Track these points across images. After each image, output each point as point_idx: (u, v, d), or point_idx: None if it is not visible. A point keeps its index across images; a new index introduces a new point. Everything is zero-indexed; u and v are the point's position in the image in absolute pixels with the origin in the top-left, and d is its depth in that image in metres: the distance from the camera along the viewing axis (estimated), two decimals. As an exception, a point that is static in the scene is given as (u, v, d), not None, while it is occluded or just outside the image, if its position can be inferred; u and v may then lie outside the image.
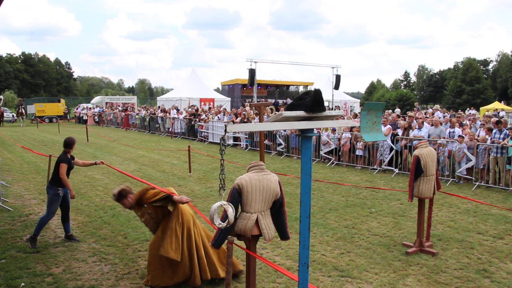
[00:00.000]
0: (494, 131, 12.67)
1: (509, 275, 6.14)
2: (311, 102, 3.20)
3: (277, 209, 4.78)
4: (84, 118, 40.45)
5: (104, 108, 41.79)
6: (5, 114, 40.08)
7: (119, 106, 41.42)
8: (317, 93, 3.21)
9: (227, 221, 3.76)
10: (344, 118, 18.81)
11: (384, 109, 38.95)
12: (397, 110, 28.23)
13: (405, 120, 15.71)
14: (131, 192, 6.07)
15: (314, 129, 3.41)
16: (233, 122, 21.06)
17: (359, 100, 55.68)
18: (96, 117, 39.37)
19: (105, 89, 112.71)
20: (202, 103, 37.18)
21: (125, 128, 32.79)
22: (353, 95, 78.98)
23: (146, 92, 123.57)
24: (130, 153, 18.54)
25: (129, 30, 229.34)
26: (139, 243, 7.29)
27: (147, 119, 30.18)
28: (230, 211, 3.74)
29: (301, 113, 3.23)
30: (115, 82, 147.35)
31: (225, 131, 2.90)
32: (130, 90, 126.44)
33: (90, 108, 42.26)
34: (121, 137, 26.14)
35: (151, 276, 5.72)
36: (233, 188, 4.52)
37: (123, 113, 34.59)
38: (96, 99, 49.91)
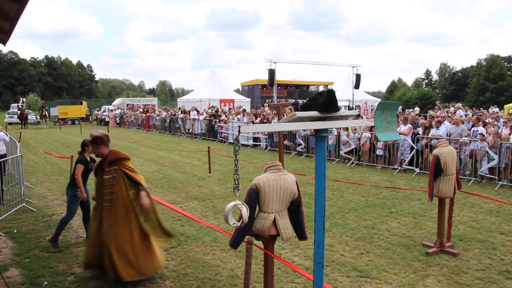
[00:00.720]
0: (517, 129, 12.43)
1: (532, 276, 6.03)
2: (324, 102, 3.21)
3: (294, 209, 4.78)
4: (105, 119, 40.98)
5: (125, 109, 42.29)
6: (29, 117, 40.84)
7: (140, 107, 41.89)
8: (331, 93, 3.21)
9: (241, 220, 3.79)
10: (363, 118, 18.70)
11: (404, 108, 38.47)
12: (416, 109, 27.84)
13: (425, 119, 15.53)
14: (106, 146, 6.05)
15: (333, 129, 3.42)
16: (253, 123, 21.11)
17: (380, 99, 55.19)
18: (117, 119, 39.85)
19: (126, 91, 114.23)
20: (222, 103, 37.34)
21: (146, 129, 33.12)
22: (374, 94, 78.45)
23: (167, 94, 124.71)
24: (151, 154, 18.72)
25: (149, 32, 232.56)
26: (159, 243, 7.35)
27: (168, 120, 30.44)
28: (244, 211, 3.76)
29: (314, 113, 3.23)
30: (136, 84, 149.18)
31: (239, 132, 2.93)
32: (151, 92, 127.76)
33: (111, 110, 42.81)
34: (142, 138, 26.42)
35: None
36: (250, 188, 4.54)
37: (144, 115, 34.95)
38: (118, 101, 50.59)
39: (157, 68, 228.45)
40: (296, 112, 3.13)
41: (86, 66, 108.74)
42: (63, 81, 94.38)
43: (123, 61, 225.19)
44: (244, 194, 4.62)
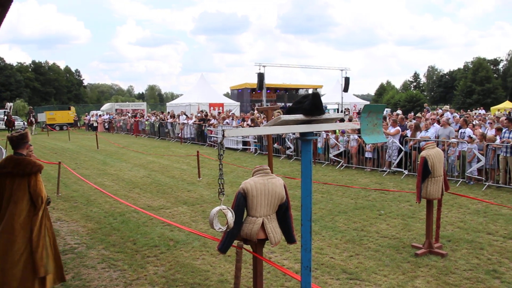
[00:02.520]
0: (504, 130, 12.56)
1: (519, 276, 6.09)
2: (309, 106, 3.21)
3: (283, 213, 4.78)
4: (94, 125, 40.73)
5: (114, 114, 42.08)
6: (16, 123, 40.38)
7: (128, 112, 41.70)
8: (316, 96, 3.22)
9: (226, 225, 3.78)
10: (351, 120, 18.78)
11: (392, 111, 38.69)
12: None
13: (414, 120, 15.63)
14: (26, 141, 5.35)
15: (322, 132, 3.42)
16: (242, 126, 21.11)
17: (369, 102, 55.43)
18: (106, 124, 39.64)
19: (115, 96, 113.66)
20: (212, 108, 37.32)
21: (135, 134, 32.98)
22: (362, 97, 78.88)
23: (156, 98, 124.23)
24: (140, 159, 18.64)
25: (138, 37, 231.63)
26: (148, 249, 7.32)
27: (157, 125, 30.33)
28: (230, 216, 3.75)
29: (300, 116, 3.24)
30: (125, 88, 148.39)
31: (223, 136, 2.93)
32: (140, 97, 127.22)
33: (100, 115, 42.57)
34: (131, 144, 26.30)
35: None
36: (238, 193, 4.54)
37: (133, 120, 34.80)
38: (106, 106, 50.34)
39: (146, 72, 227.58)
40: (281, 116, 3.14)
41: (74, 71, 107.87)
42: (50, 87, 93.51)
43: (111, 66, 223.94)
44: (231, 199, 4.61)
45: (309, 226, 3.55)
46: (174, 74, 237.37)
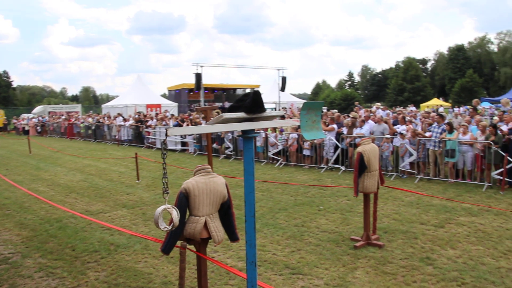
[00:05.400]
0: (433, 125, 13.21)
1: (449, 261, 6.46)
2: (250, 104, 3.27)
3: (225, 211, 4.81)
4: (25, 128, 38.94)
5: (47, 117, 40.46)
6: None
7: (62, 115, 40.24)
8: (257, 94, 3.28)
9: (172, 224, 3.76)
10: (290, 118, 19.09)
11: (328, 109, 39.61)
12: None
13: (349, 117, 16.10)
14: None
15: (261, 131, 3.47)
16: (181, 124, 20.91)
17: (305, 101, 56.37)
18: (38, 128, 38.03)
19: (47, 98, 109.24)
20: (149, 109, 36.73)
21: (69, 137, 31.88)
22: (299, 96, 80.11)
23: (91, 100, 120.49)
24: (76, 163, 18.04)
25: (71, 37, 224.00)
26: (87, 255, 7.12)
27: (93, 128, 29.44)
28: (175, 214, 3.74)
29: (241, 114, 3.29)
30: (58, 90, 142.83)
31: (166, 135, 2.92)
32: (74, 99, 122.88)
33: (31, 118, 40.80)
34: (66, 147, 25.39)
35: None
36: (180, 193, 4.52)
37: (67, 122, 33.58)
38: (38, 109, 48.36)
39: (80, 73, 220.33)
40: (223, 114, 3.17)
41: (2, 72, 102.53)
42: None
43: (43, 67, 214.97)
44: (172, 200, 4.58)
45: (253, 222, 3.61)
46: (109, 75, 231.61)
